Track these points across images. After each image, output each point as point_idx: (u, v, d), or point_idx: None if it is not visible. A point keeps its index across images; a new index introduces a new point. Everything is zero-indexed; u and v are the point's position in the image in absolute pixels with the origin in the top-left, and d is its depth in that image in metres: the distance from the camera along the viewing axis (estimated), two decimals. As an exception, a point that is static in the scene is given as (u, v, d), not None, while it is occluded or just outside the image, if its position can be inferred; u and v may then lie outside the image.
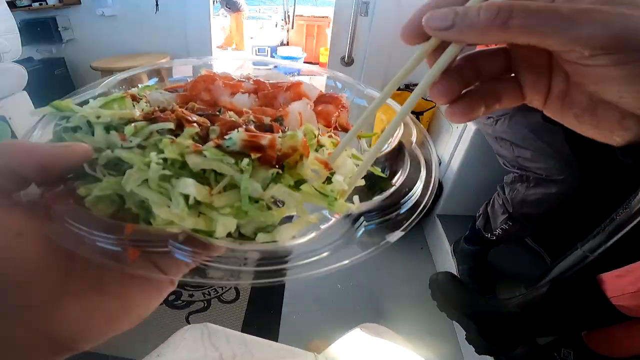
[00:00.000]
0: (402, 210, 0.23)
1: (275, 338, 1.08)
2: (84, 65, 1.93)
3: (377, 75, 1.85)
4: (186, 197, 0.19)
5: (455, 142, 1.36)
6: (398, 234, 0.22)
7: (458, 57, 0.20)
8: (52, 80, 1.89)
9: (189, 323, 1.10)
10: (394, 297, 1.28)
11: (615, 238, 0.88)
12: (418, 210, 0.23)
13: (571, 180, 0.91)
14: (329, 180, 0.22)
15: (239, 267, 0.20)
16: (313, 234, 0.21)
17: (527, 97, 0.20)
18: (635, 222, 0.84)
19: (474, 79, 0.21)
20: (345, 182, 0.22)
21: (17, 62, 1.42)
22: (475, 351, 0.89)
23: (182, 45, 1.96)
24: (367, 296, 1.28)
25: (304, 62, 3.40)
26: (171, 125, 0.23)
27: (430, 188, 0.25)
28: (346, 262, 0.20)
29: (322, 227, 0.22)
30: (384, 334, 0.59)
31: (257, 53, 3.57)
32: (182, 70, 0.34)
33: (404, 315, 1.22)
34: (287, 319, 1.16)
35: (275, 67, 0.42)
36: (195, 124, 0.23)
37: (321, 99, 0.29)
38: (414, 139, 0.29)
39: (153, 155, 0.20)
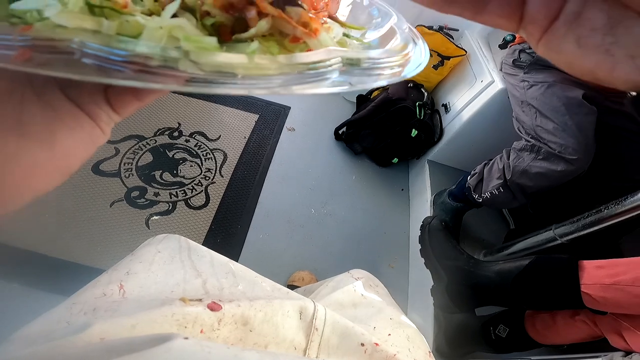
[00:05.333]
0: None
1: (237, 255, 1.08)
2: None
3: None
4: None
5: (473, 95, 1.28)
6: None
7: None
8: None
9: (148, 228, 1.05)
10: (362, 232, 1.30)
11: (591, 230, 0.89)
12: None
13: (581, 164, 0.91)
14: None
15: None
16: None
17: (526, 17, 0.16)
18: (619, 219, 0.83)
19: None
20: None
21: None
22: (433, 304, 0.94)
23: None
24: (338, 226, 1.28)
25: None
26: None
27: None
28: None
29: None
30: (379, 289, 0.56)
31: None
32: None
33: (366, 253, 1.26)
34: (253, 237, 1.15)
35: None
36: None
37: None
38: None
39: None
